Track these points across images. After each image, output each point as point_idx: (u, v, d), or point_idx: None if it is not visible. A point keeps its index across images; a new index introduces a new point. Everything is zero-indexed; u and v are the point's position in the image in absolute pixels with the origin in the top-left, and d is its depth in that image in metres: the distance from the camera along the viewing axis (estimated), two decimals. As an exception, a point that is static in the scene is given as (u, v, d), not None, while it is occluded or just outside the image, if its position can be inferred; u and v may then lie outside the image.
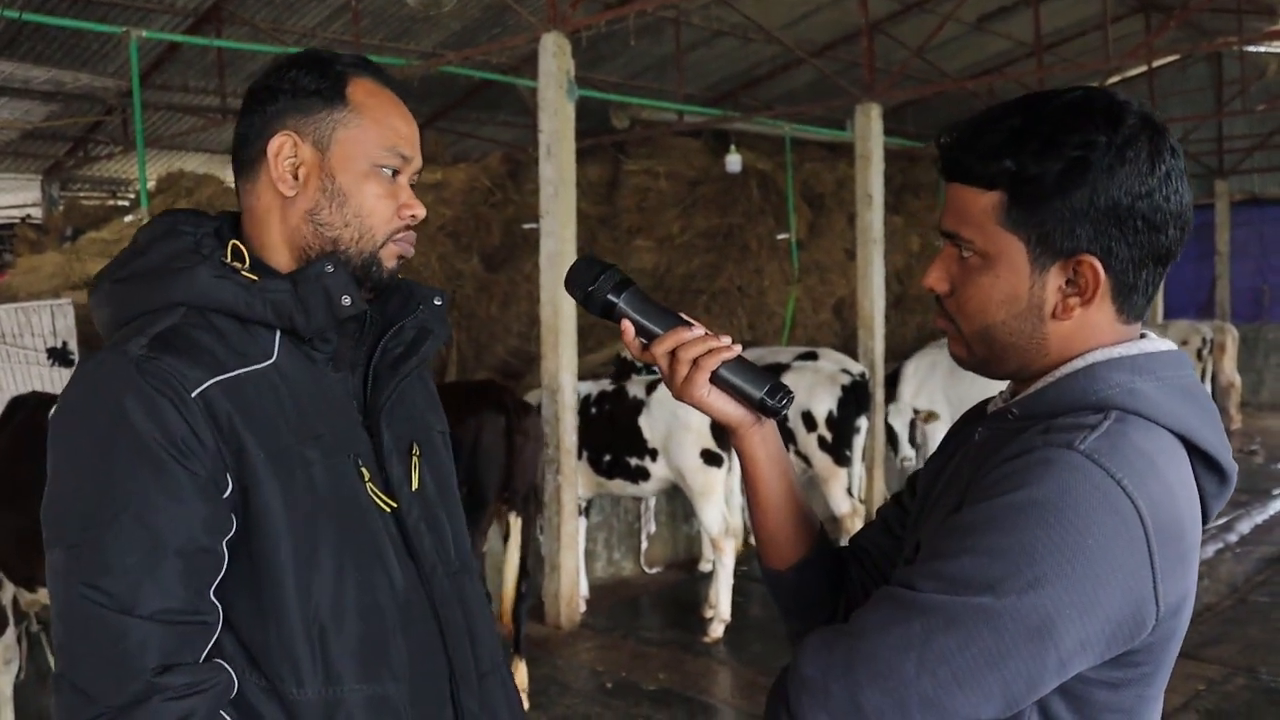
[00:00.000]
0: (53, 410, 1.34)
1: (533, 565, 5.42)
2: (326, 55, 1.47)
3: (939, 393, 8.77)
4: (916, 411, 8.45)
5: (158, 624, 1.24)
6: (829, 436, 6.73)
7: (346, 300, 1.40)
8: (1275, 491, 9.44)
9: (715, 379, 1.31)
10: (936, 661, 1.05)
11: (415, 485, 1.50)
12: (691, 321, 1.34)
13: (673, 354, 1.32)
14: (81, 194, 13.56)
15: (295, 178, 1.43)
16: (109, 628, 1.23)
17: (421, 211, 1.49)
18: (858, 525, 6.69)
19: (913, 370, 8.80)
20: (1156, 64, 12.72)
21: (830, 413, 6.74)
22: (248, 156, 1.46)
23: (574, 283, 1.37)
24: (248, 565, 1.33)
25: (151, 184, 10.37)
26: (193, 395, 1.29)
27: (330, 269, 1.40)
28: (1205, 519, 1.18)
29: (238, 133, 1.47)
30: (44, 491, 1.31)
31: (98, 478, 1.26)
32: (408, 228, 1.48)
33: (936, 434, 8.62)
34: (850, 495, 6.87)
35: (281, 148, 1.42)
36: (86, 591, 1.23)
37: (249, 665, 1.33)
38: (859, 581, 1.44)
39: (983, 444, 1.24)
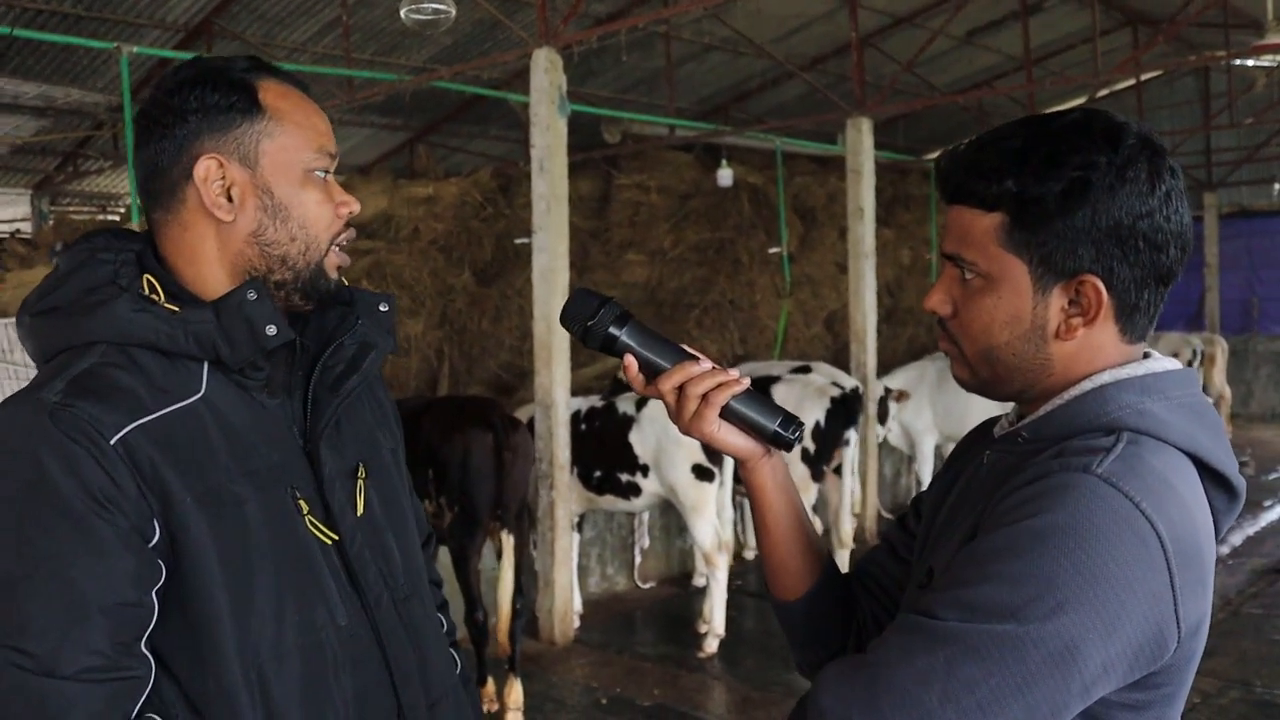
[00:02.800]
0: None
1: (526, 582, 5.40)
2: (220, 64, 1.39)
3: (925, 405, 8.81)
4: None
5: (82, 684, 1.18)
6: (812, 448, 6.72)
7: (271, 330, 1.34)
8: (1266, 503, 9.46)
9: (725, 413, 1.29)
10: (961, 691, 1.04)
11: (360, 510, 1.44)
12: (696, 354, 1.31)
13: (680, 389, 1.29)
14: (71, 209, 13.51)
15: (229, 200, 1.36)
16: (30, 692, 1.17)
17: (356, 205, 1.44)
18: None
19: (899, 384, 8.81)
20: (1144, 78, 12.81)
21: (817, 424, 6.74)
22: (162, 186, 1.38)
23: (571, 317, 1.33)
24: (181, 612, 1.27)
25: (142, 199, 10.33)
26: (111, 442, 1.23)
27: (253, 296, 1.34)
28: (1216, 535, 1.18)
29: (143, 161, 1.38)
30: None
31: (13, 534, 1.20)
32: (346, 225, 1.43)
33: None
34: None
35: (209, 172, 1.35)
36: (4, 653, 1.18)
37: (190, 713, 1.28)
38: (869, 610, 1.43)
39: (993, 467, 1.24)
